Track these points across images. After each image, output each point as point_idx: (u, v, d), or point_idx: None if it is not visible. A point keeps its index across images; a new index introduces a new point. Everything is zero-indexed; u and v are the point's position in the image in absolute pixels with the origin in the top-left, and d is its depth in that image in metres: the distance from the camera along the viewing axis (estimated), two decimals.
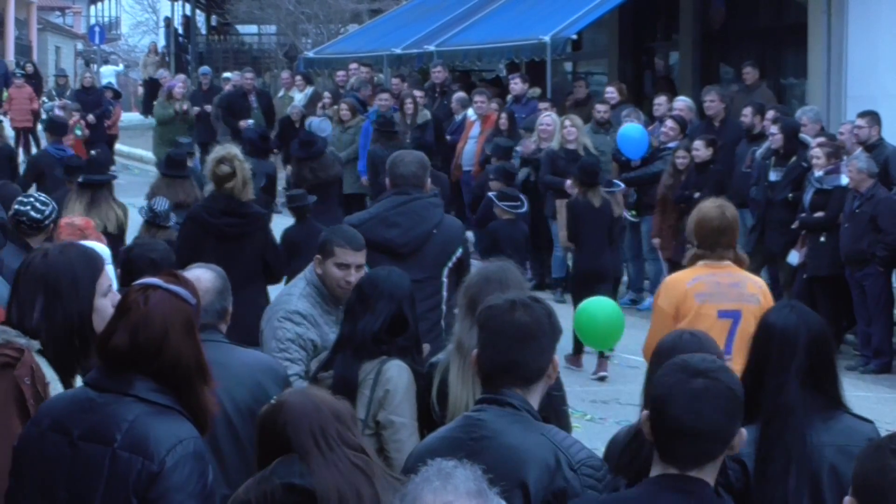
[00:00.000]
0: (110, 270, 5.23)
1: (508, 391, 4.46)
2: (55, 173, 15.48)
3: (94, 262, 4.92)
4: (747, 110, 15.99)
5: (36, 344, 4.70)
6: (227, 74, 28.98)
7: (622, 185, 15.14)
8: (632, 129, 16.29)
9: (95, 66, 48.86)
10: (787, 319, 5.09)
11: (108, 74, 35.28)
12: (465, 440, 4.42)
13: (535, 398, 4.53)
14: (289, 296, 7.26)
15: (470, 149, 19.26)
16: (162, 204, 11.01)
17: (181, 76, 28.95)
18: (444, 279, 8.36)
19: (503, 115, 18.86)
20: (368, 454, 4.64)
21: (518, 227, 14.30)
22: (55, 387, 4.67)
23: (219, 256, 9.15)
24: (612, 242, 13.70)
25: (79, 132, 24.58)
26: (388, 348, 6.17)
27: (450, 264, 8.30)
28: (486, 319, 4.55)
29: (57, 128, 18.71)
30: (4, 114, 30.24)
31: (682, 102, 17.04)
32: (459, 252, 8.45)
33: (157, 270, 4.67)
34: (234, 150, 10.13)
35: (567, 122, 16.36)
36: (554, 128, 16.79)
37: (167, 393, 4.18)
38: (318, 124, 20.21)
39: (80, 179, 12.42)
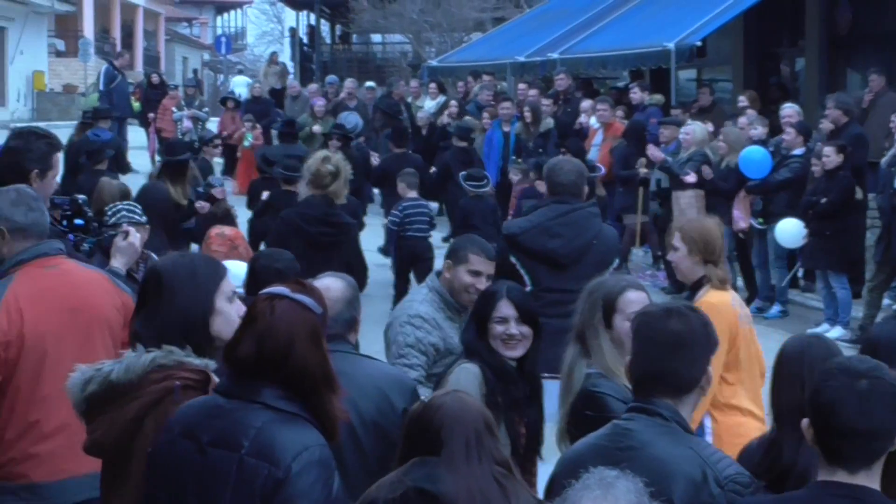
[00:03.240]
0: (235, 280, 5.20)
1: (659, 400, 4.41)
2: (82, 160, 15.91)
3: (217, 265, 4.85)
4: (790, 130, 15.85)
5: (213, 364, 4.58)
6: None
7: (602, 170, 16.81)
8: (753, 152, 16.07)
9: (222, 76, 49.44)
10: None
11: (239, 84, 35.49)
12: (611, 449, 4.37)
13: (686, 409, 4.46)
14: (411, 301, 7.29)
15: (591, 157, 19.16)
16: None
17: (331, 83, 28.98)
18: None
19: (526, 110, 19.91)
20: (513, 471, 4.55)
21: (485, 202, 15.58)
22: None
23: (307, 261, 9.34)
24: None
25: (247, 143, 24.99)
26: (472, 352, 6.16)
27: (607, 274, 8.22)
28: (639, 326, 4.52)
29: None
30: (147, 124, 30.43)
31: (790, 109, 16.74)
32: (616, 262, 8.47)
33: (283, 280, 4.66)
34: (339, 154, 10.54)
35: (721, 138, 16.64)
36: (692, 137, 16.73)
37: (295, 400, 4.20)
38: (346, 117, 20.96)
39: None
